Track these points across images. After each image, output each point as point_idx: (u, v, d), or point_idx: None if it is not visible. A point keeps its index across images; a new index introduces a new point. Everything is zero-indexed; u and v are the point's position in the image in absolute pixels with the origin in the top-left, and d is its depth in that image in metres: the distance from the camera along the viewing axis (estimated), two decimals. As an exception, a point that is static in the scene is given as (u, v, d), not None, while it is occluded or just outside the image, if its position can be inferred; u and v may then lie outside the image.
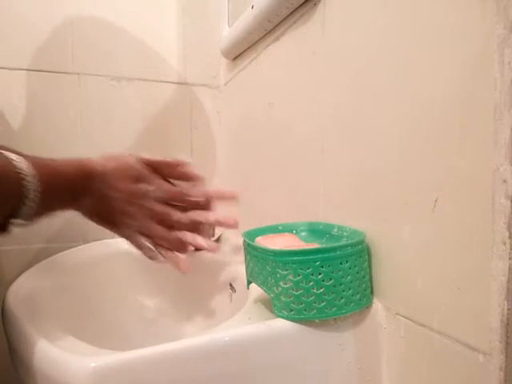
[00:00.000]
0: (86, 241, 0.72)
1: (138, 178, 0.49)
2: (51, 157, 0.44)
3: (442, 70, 0.31)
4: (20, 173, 0.36)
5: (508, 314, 0.27)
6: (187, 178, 0.54)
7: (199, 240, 0.52)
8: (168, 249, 0.52)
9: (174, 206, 0.52)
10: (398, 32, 0.36)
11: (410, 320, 0.36)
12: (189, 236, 0.52)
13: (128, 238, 0.51)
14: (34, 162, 0.38)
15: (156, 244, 0.52)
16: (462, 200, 0.30)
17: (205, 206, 0.54)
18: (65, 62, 0.76)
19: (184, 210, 0.53)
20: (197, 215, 0.53)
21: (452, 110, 0.31)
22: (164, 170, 0.53)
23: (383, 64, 0.38)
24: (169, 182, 0.54)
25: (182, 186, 0.54)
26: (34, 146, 0.73)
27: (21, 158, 0.37)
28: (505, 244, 0.27)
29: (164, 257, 0.52)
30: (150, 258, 0.52)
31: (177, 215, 0.51)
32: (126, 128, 0.81)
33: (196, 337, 0.35)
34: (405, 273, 0.36)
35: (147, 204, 0.49)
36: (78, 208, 0.47)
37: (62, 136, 0.76)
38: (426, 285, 0.34)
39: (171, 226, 0.51)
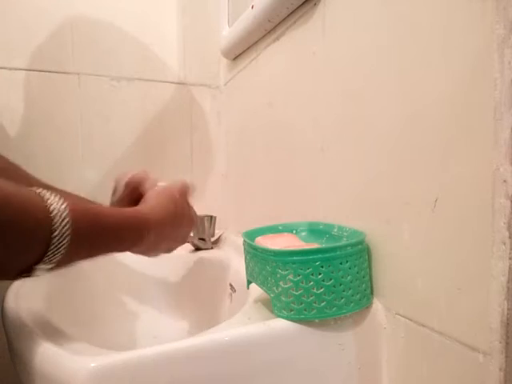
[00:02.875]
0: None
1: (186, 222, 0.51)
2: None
3: (442, 69, 0.31)
4: (50, 215, 0.30)
5: (508, 314, 0.27)
6: None
7: None
8: None
9: None
10: (398, 32, 0.36)
11: (410, 320, 0.36)
12: None
13: None
14: (77, 206, 0.32)
15: None
16: (462, 200, 0.30)
17: None
18: (65, 62, 0.76)
19: None
20: None
21: (452, 110, 0.31)
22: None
23: (383, 64, 0.38)
24: None
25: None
26: (33, 146, 0.73)
27: (60, 202, 0.31)
28: (505, 244, 0.27)
29: None
30: None
31: None
32: (126, 128, 0.81)
33: (196, 337, 0.35)
34: (405, 273, 0.36)
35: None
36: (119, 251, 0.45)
37: (62, 136, 0.76)
38: (426, 285, 0.34)
39: None
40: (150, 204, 0.46)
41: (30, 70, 0.73)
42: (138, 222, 0.41)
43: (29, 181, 0.48)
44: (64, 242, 0.31)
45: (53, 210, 0.30)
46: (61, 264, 0.32)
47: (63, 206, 0.31)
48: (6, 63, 0.72)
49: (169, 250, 0.51)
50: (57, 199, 0.31)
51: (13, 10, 0.72)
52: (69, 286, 0.58)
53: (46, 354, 0.34)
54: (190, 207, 0.52)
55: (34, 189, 0.31)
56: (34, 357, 0.35)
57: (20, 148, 0.73)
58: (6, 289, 0.51)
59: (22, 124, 0.73)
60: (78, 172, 0.77)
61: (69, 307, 0.53)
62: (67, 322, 0.43)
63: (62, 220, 0.30)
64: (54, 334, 0.37)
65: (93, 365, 0.31)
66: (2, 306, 0.47)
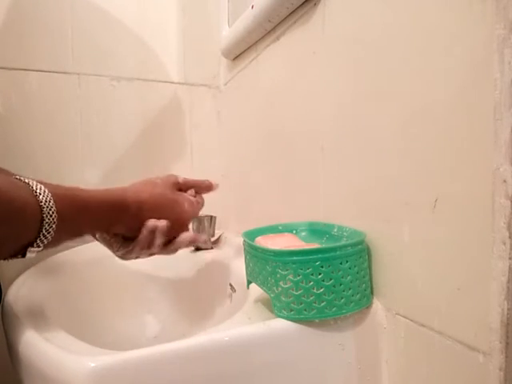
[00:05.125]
0: (86, 241, 0.72)
1: (173, 206, 0.50)
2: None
3: (442, 69, 0.31)
4: (40, 204, 0.34)
5: (508, 313, 0.27)
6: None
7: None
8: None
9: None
10: (398, 32, 0.36)
11: (410, 320, 0.36)
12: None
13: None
14: (59, 192, 0.36)
15: None
16: (462, 200, 0.30)
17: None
18: (65, 62, 0.76)
19: None
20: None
21: (452, 110, 0.31)
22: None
23: (383, 64, 0.38)
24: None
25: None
26: (34, 147, 0.73)
27: (42, 186, 0.35)
28: (505, 244, 0.27)
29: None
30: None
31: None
32: (126, 128, 0.81)
33: (196, 337, 0.35)
34: (405, 273, 0.36)
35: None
36: (102, 233, 0.48)
37: (62, 136, 0.76)
38: (426, 285, 0.34)
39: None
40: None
41: (30, 70, 0.73)
42: (115, 193, 0.45)
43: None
44: (53, 220, 0.35)
45: (40, 193, 0.34)
46: (50, 244, 0.36)
47: (46, 190, 0.35)
48: (5, 63, 0.72)
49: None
50: (38, 184, 0.35)
51: (13, 11, 0.72)
52: (69, 286, 0.58)
53: (46, 354, 0.34)
54: (176, 193, 0.51)
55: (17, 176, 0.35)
56: (33, 357, 0.35)
57: (20, 148, 0.73)
58: (5, 289, 0.51)
59: (23, 124, 0.73)
60: (78, 172, 0.77)
61: (69, 307, 0.53)
62: (67, 322, 0.43)
63: (49, 201, 0.35)
64: (54, 334, 0.37)
65: (93, 365, 0.31)
66: (2, 306, 0.47)
